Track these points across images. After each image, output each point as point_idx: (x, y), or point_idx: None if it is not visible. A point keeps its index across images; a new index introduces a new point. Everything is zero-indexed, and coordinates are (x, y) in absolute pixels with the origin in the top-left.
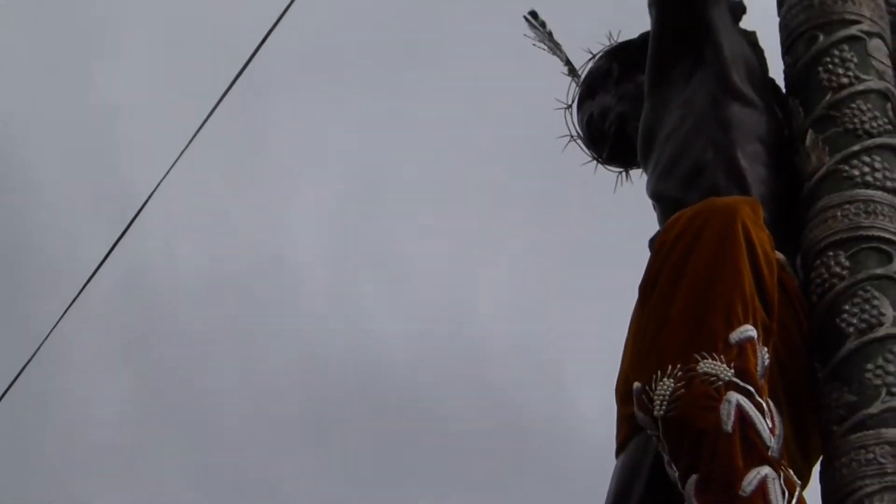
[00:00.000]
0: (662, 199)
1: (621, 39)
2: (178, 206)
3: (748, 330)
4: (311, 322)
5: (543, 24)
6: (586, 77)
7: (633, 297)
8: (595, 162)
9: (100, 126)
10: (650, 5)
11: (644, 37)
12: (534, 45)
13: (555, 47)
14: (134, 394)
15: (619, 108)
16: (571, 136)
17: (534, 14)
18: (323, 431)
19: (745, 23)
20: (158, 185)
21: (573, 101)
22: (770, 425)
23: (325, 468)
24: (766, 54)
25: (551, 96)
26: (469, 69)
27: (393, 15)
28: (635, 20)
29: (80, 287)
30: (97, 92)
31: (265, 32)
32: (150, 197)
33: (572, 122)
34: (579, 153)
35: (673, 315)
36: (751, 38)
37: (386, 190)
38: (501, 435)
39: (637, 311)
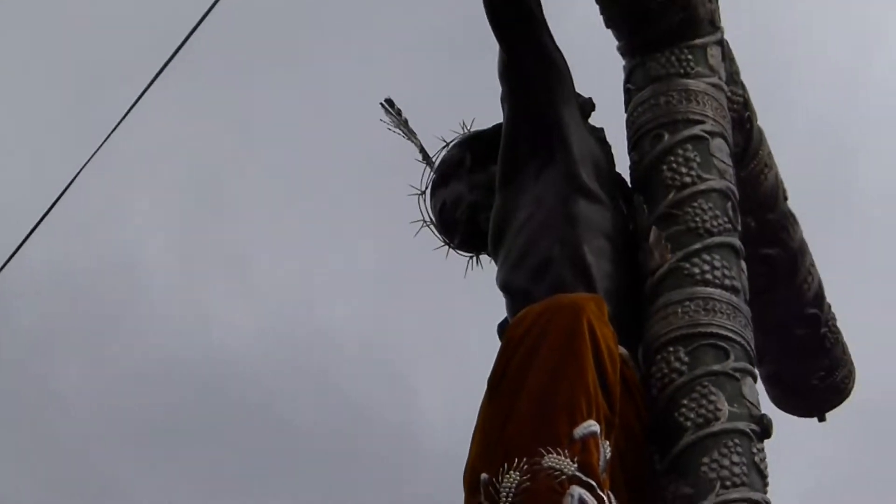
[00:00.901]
0: (511, 291)
1: (475, 129)
2: (23, 200)
3: (591, 425)
4: (159, 323)
5: (399, 112)
6: (440, 165)
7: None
8: (447, 247)
9: None
10: (503, 100)
11: (497, 128)
12: (389, 129)
13: (410, 134)
14: None
15: (471, 198)
16: (424, 222)
17: (390, 102)
18: (170, 434)
19: (593, 118)
20: None
21: (426, 188)
22: None
23: (173, 472)
24: (613, 150)
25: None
26: (325, 70)
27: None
28: (490, 110)
29: None
30: None
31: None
32: None
33: (425, 208)
34: (431, 237)
35: (519, 409)
36: (599, 135)
37: (233, 188)
38: (348, 437)
39: (485, 403)
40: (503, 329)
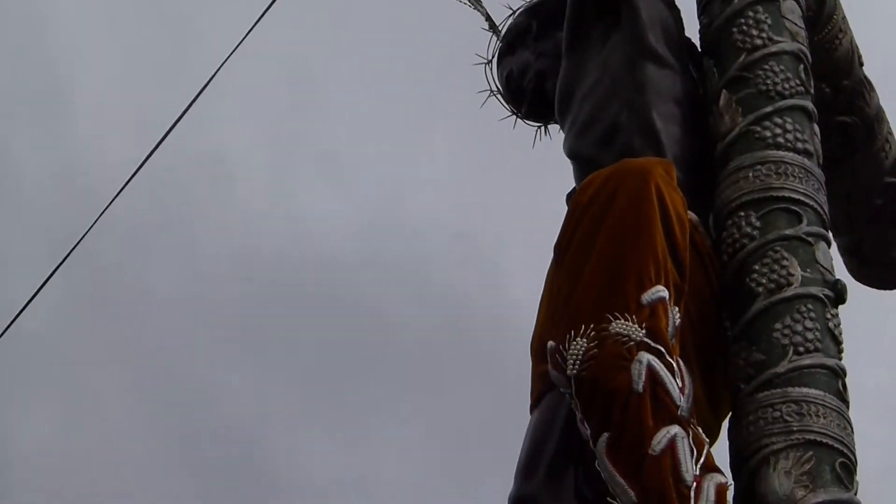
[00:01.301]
0: (578, 158)
1: None
2: (107, 98)
3: (660, 291)
4: (249, 217)
5: None
6: (506, 33)
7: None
8: (514, 117)
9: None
10: None
11: None
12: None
13: (475, 2)
14: (66, 289)
15: (538, 66)
16: (491, 91)
17: None
18: (262, 328)
19: None
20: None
21: (493, 57)
22: (680, 384)
23: (264, 366)
24: (683, 14)
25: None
26: None
27: None
28: None
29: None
30: None
31: None
32: None
33: (492, 77)
34: (499, 107)
35: (586, 276)
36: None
37: (322, 83)
38: (444, 330)
39: (552, 271)
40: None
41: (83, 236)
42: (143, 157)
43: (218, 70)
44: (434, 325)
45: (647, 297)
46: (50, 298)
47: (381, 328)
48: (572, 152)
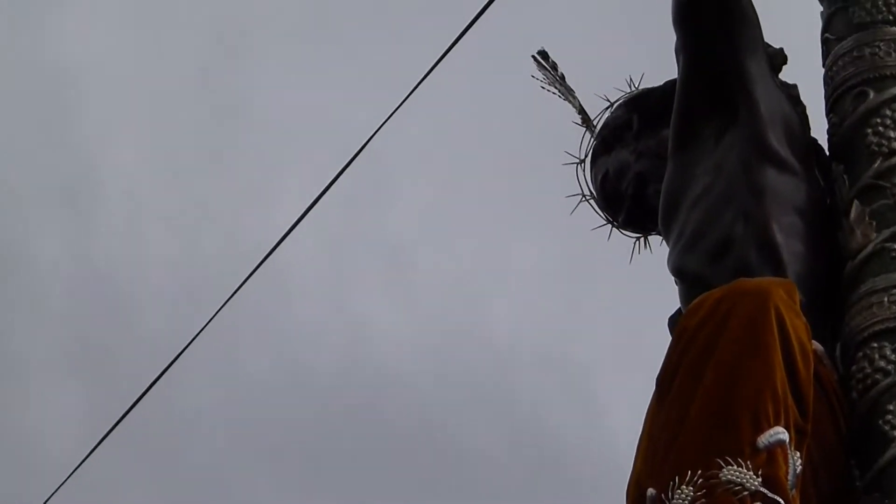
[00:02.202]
0: (685, 276)
1: (643, 87)
2: (141, 188)
3: (779, 433)
4: (302, 326)
5: (555, 66)
6: (602, 128)
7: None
8: (609, 226)
9: (52, 87)
10: (677, 51)
11: (669, 85)
12: (542, 88)
13: (566, 92)
14: (92, 406)
15: (639, 167)
16: (583, 196)
17: (543, 54)
18: (313, 454)
19: (786, 74)
20: None
21: (586, 156)
22: None
23: (315, 498)
24: (809, 111)
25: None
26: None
27: None
28: (659, 65)
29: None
30: (49, 49)
31: None
32: None
33: (585, 180)
34: (592, 214)
35: (694, 413)
36: (791, 93)
37: (390, 172)
38: (528, 462)
39: (653, 406)
40: (675, 322)
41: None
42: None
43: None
44: (518, 457)
45: (765, 439)
46: (73, 416)
47: (456, 460)
48: (678, 269)
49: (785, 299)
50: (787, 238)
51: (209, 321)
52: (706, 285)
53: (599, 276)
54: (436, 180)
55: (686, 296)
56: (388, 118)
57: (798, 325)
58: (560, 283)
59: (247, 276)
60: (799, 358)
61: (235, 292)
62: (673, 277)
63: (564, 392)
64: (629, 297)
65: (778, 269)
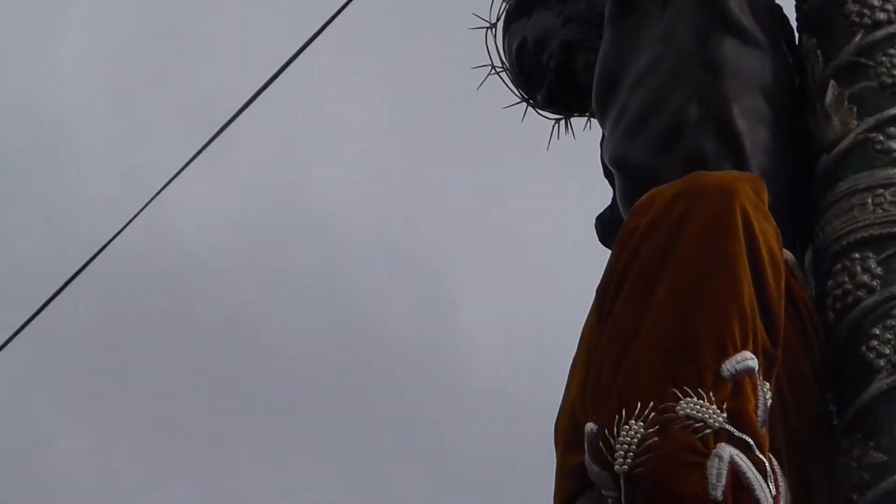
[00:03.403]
0: (626, 167)
1: None
2: None
3: (747, 359)
4: (87, 198)
5: None
6: None
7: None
8: (525, 104)
9: None
10: None
11: None
12: None
13: None
14: None
15: (565, 35)
16: (493, 67)
17: None
18: (100, 353)
19: None
20: None
21: (498, 19)
22: (773, 492)
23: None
24: None
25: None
26: None
27: None
28: None
29: None
30: None
31: None
32: None
33: (496, 48)
34: (501, 88)
35: (644, 333)
36: None
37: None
38: (359, 362)
39: (591, 322)
40: (607, 222)
41: None
42: None
43: None
44: (343, 359)
45: (730, 366)
46: None
47: (273, 355)
48: (617, 158)
49: (752, 198)
50: (750, 124)
51: None
52: (653, 178)
53: (453, 140)
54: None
55: (627, 191)
56: None
57: (767, 230)
58: (403, 147)
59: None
60: (769, 270)
61: None
62: (610, 167)
63: (400, 280)
64: (486, 165)
65: (739, 160)
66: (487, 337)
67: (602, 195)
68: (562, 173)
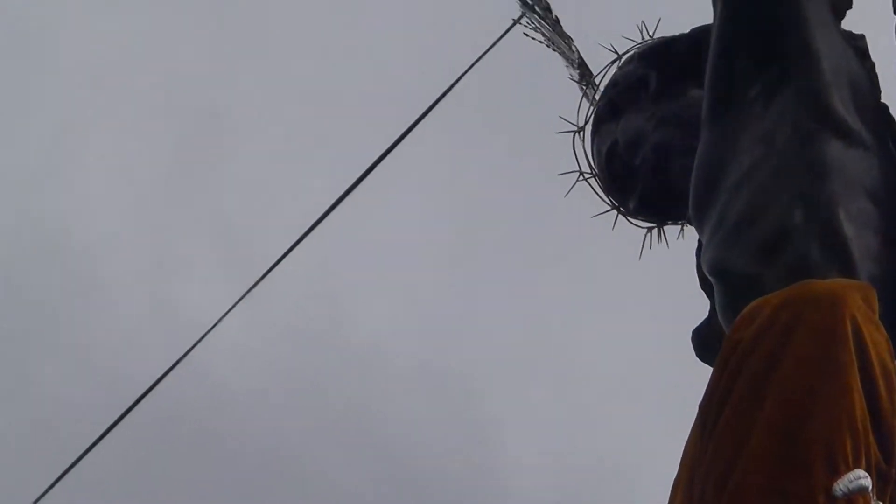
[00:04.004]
0: (726, 275)
1: (660, 35)
2: None
3: (860, 477)
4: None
5: (548, 7)
6: (609, 87)
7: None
8: (615, 212)
9: None
10: None
11: (698, 33)
12: (527, 35)
13: (560, 40)
14: None
15: (658, 137)
16: (581, 173)
17: None
18: None
19: (849, 22)
20: None
21: (587, 122)
22: None
23: None
24: (879, 70)
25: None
26: None
27: None
28: (682, 6)
29: None
30: None
31: None
32: None
33: (584, 151)
34: (591, 196)
35: (751, 449)
36: (858, 45)
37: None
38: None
39: (694, 437)
40: (705, 335)
41: None
42: None
43: None
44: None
45: (843, 486)
46: None
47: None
48: (717, 266)
49: (862, 308)
50: (858, 229)
51: None
52: (755, 287)
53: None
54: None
55: (728, 301)
56: None
57: (879, 341)
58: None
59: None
60: (881, 382)
61: None
62: (710, 276)
63: (443, 411)
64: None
65: (847, 267)
66: (533, 469)
67: (660, 325)
68: (619, 300)
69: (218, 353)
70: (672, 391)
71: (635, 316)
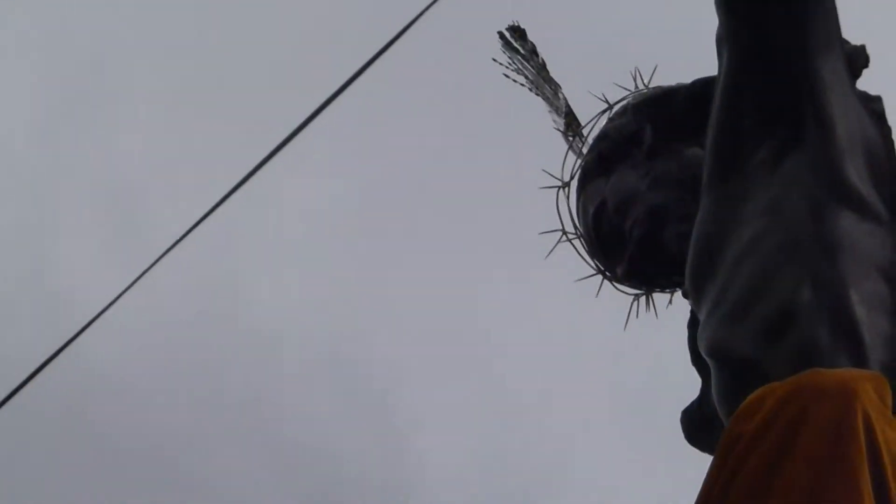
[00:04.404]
0: (727, 357)
1: (656, 84)
2: None
3: None
4: None
5: (534, 50)
6: (599, 140)
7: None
8: (601, 277)
9: None
10: (720, 41)
11: (699, 85)
12: (507, 76)
13: (546, 85)
14: None
15: (653, 200)
16: (565, 233)
17: (517, 31)
18: None
19: (864, 82)
20: None
21: (572, 177)
22: None
23: None
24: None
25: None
26: None
27: None
28: (682, 52)
29: None
30: None
31: None
32: None
33: (568, 210)
34: (574, 259)
35: None
36: (874, 108)
37: None
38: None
39: None
40: (696, 418)
41: None
42: None
43: None
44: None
45: None
46: None
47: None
48: (716, 346)
49: (875, 402)
50: (869, 312)
51: None
52: (757, 372)
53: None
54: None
55: (727, 385)
56: None
57: (891, 438)
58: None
59: None
60: (892, 484)
61: None
62: (707, 357)
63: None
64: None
65: (857, 354)
66: (447, 468)
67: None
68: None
69: (104, 338)
70: (598, 387)
71: (559, 305)
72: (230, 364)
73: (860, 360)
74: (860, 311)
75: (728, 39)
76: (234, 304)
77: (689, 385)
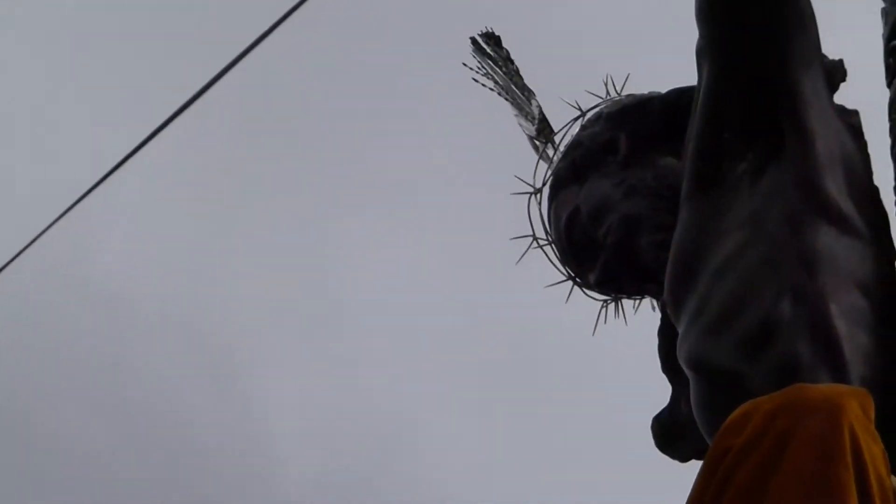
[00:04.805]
0: (707, 369)
1: (629, 92)
2: None
3: None
4: None
5: (508, 58)
6: (573, 148)
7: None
8: (571, 283)
9: None
10: (700, 53)
11: (675, 95)
12: (476, 81)
13: (517, 91)
14: None
15: (628, 209)
16: (536, 239)
17: (491, 37)
18: None
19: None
20: None
21: (544, 184)
22: None
23: None
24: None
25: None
26: None
27: None
28: (658, 60)
29: None
30: None
31: None
32: None
33: (540, 217)
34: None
35: None
36: (851, 122)
37: None
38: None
39: None
40: (668, 426)
41: None
42: None
43: None
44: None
45: None
46: None
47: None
48: (695, 358)
49: (860, 417)
50: (850, 326)
51: None
52: (738, 385)
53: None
54: None
55: (705, 397)
56: None
57: (876, 455)
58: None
59: None
60: (878, 500)
61: None
62: (687, 369)
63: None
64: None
65: (837, 369)
66: (299, 433)
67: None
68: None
69: None
70: (452, 349)
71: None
72: (76, 324)
73: (840, 374)
74: (840, 326)
75: (708, 52)
76: (81, 263)
77: None
